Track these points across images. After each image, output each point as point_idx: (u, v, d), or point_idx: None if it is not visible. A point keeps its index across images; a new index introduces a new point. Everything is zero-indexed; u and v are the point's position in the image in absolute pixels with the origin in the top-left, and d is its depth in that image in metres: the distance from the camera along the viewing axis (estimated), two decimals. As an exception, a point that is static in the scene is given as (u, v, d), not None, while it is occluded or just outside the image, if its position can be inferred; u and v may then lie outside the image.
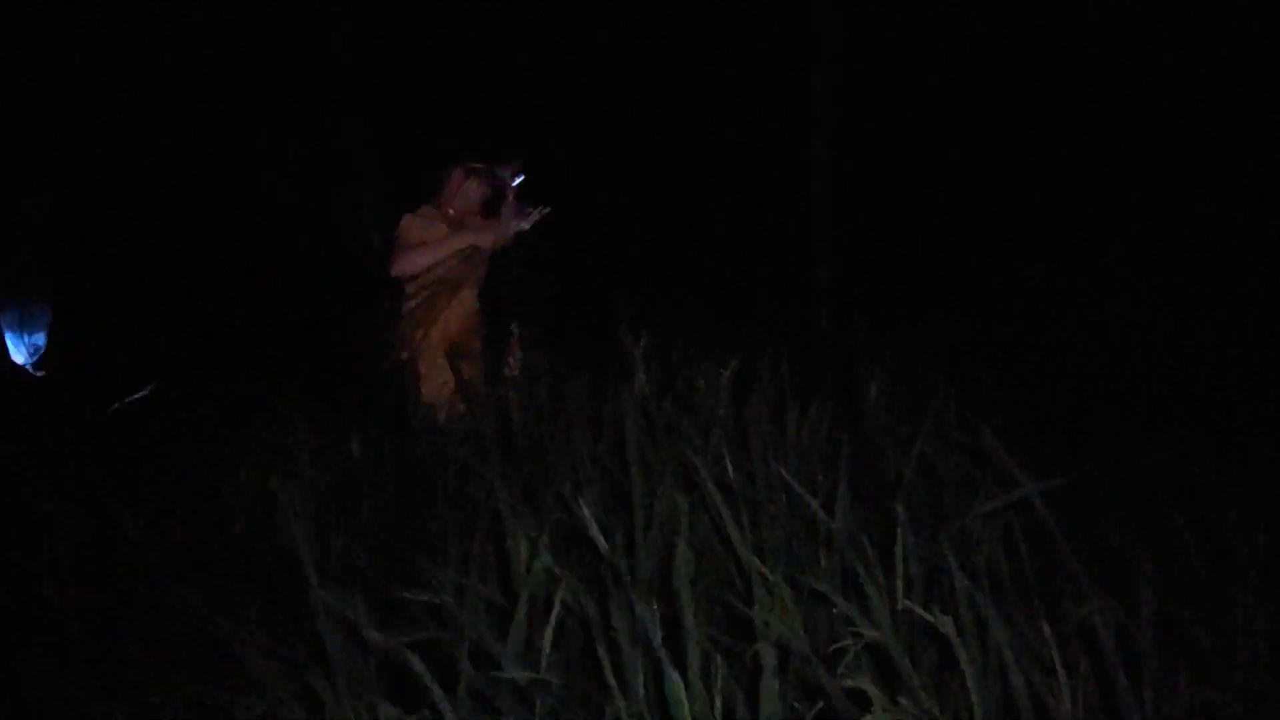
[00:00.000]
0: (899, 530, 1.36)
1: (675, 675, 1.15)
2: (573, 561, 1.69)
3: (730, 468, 1.70)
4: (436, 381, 2.85)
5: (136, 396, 4.48)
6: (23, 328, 5.25)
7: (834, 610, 1.38)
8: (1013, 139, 6.37)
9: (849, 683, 1.18)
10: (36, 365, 5.28)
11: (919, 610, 1.22)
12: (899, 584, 1.41)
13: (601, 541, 1.24)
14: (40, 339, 5.30)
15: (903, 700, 1.16)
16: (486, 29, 6.59)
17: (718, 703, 1.20)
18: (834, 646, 1.28)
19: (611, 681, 1.14)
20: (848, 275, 6.05)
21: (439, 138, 6.12)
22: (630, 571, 1.51)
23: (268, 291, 5.81)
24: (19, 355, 5.24)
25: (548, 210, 3.00)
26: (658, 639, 1.14)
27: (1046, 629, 1.22)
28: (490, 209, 3.11)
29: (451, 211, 3.09)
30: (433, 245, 2.95)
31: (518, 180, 3.15)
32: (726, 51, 6.94)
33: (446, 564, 1.59)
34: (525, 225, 2.99)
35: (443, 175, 3.16)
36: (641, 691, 1.19)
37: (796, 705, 1.29)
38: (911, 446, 1.81)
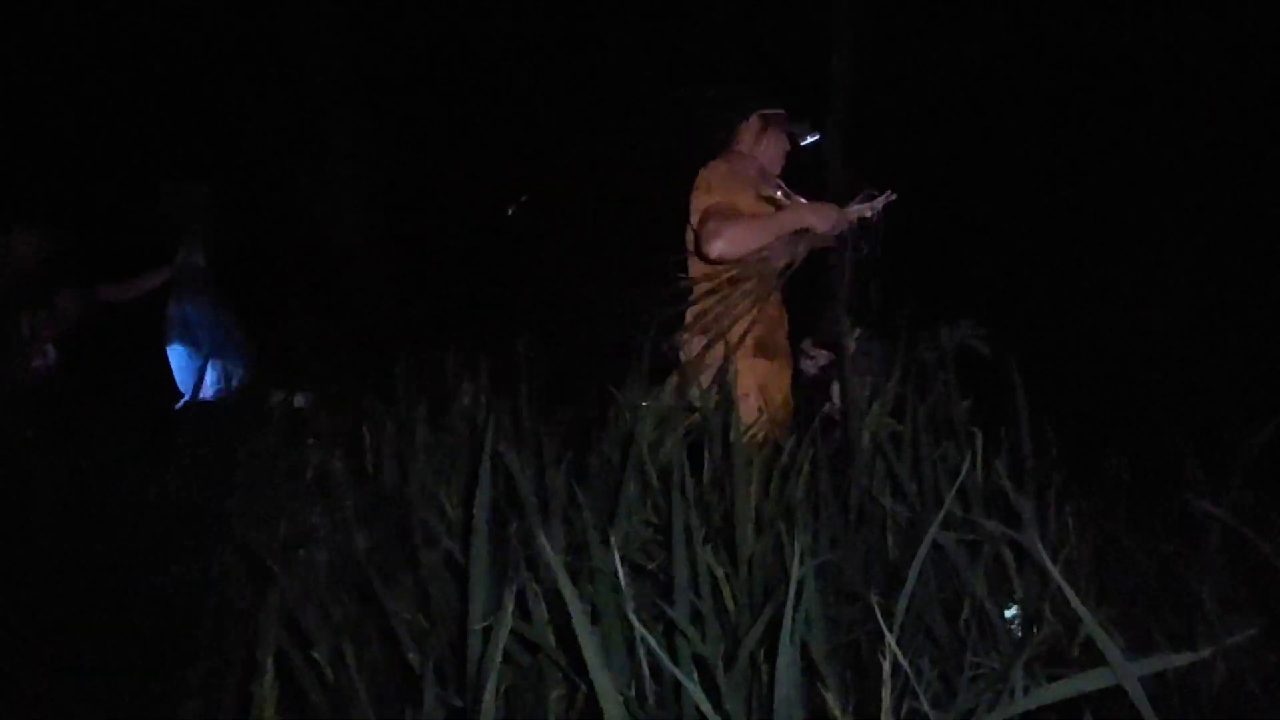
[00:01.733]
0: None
1: None
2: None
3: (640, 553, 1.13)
4: (743, 391, 2.08)
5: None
6: (212, 346, 3.77)
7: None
8: (1044, 139, 5.81)
9: None
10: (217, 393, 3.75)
11: None
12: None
13: None
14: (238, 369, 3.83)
15: None
16: (468, 13, 6.16)
17: None
18: None
19: None
20: (862, 282, 5.50)
21: (419, 116, 5.69)
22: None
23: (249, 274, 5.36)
24: (190, 377, 3.75)
25: (894, 195, 2.26)
26: None
27: None
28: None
29: (755, 171, 2.40)
30: (763, 221, 2.22)
31: (813, 140, 2.52)
32: (743, 47, 6.44)
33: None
34: (868, 212, 2.27)
35: (731, 125, 2.45)
36: None
37: None
38: (920, 528, 1.23)
